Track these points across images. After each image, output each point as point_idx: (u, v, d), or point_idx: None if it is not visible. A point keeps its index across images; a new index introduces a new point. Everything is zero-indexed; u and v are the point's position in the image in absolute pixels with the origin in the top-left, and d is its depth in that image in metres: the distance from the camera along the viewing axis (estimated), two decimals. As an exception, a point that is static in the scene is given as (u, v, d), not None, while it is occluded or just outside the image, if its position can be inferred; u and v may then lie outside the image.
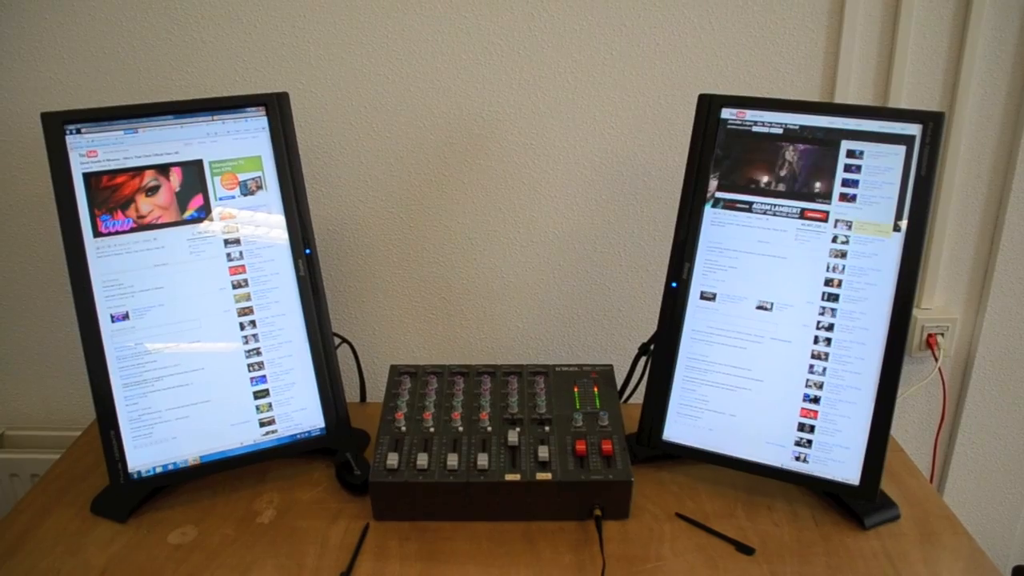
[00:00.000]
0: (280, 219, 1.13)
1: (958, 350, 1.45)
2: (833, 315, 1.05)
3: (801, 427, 1.07)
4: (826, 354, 1.05)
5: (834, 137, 1.03)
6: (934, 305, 1.42)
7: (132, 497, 1.10)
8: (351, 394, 1.30)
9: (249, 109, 1.11)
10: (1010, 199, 1.33)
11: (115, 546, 1.04)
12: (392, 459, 1.07)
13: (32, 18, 1.25)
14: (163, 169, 1.07)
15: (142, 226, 1.06)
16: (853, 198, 1.03)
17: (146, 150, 1.06)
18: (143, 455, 1.08)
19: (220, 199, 1.10)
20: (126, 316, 1.06)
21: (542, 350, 1.49)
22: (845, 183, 1.04)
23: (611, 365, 1.27)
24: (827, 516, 1.09)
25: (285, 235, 1.13)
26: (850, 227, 1.04)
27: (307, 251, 1.14)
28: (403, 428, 1.14)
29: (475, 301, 1.45)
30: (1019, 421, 1.49)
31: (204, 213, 1.09)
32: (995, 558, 1.51)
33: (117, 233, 1.05)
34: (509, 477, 1.05)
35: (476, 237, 1.40)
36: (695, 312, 1.11)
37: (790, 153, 1.06)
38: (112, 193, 1.04)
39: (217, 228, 1.10)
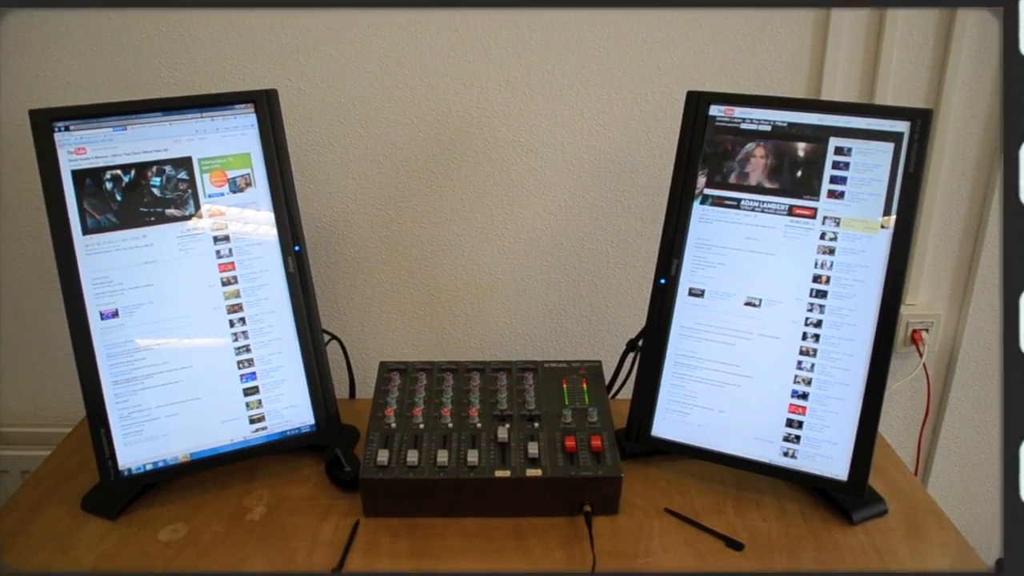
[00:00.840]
0: (269, 216, 1.12)
1: (942, 345, 1.47)
2: (821, 312, 1.05)
3: (789, 423, 1.08)
4: (814, 350, 1.06)
5: (822, 134, 1.04)
6: (918, 301, 1.43)
7: (122, 494, 1.10)
8: (340, 391, 1.29)
9: (238, 106, 1.10)
10: (994, 196, 1.34)
11: (106, 543, 1.04)
12: (382, 456, 1.08)
13: (20, 14, 1.24)
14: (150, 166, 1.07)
15: (131, 223, 1.06)
16: (841, 195, 1.04)
17: (135, 147, 1.06)
18: (133, 452, 1.08)
19: (209, 196, 1.10)
20: (115, 313, 1.06)
21: (531, 346, 1.50)
22: (833, 180, 1.04)
23: (599, 361, 1.28)
24: (815, 511, 1.09)
25: (274, 232, 1.13)
26: (838, 224, 1.04)
27: (296, 248, 1.13)
28: (393, 425, 1.14)
29: (464, 298, 1.46)
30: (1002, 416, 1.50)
31: (193, 210, 1.09)
32: (977, 551, 1.52)
33: (106, 230, 1.05)
34: (499, 473, 1.06)
35: (465, 234, 1.40)
36: (683, 308, 1.12)
37: (778, 150, 1.06)
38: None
39: (206, 225, 1.10)
